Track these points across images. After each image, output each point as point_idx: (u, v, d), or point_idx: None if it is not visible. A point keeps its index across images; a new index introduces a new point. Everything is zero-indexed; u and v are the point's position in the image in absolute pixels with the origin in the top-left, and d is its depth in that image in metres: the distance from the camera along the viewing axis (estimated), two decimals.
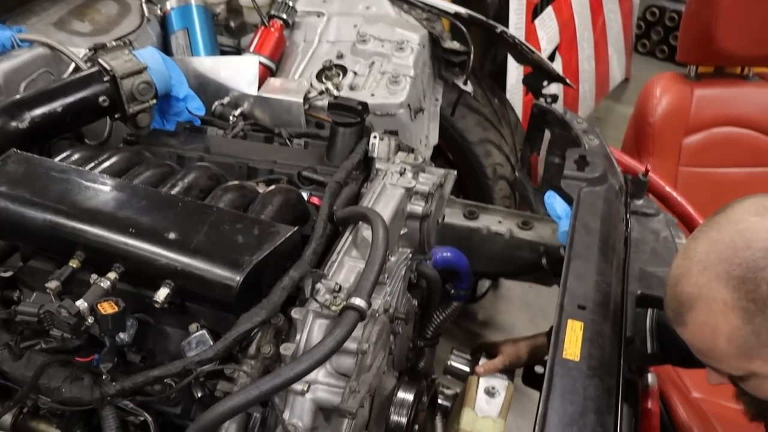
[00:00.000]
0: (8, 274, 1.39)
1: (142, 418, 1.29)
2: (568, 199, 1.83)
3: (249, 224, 1.35)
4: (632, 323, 1.57)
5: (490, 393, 1.86)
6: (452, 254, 1.98)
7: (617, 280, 1.61)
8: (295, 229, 1.36)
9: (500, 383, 1.87)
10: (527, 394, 1.96)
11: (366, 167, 1.79)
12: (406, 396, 1.58)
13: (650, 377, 1.88)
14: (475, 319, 3.26)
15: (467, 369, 2.02)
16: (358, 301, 1.25)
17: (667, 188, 2.32)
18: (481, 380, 1.85)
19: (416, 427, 1.60)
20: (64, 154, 1.61)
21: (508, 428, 1.80)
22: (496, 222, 2.26)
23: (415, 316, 1.96)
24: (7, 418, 1.36)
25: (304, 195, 1.65)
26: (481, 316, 3.30)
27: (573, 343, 1.41)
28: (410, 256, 1.75)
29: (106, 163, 1.57)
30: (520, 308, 3.36)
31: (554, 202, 1.83)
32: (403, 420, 1.55)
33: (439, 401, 1.96)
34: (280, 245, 1.32)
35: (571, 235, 1.66)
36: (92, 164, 1.56)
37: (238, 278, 1.25)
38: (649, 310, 1.62)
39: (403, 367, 1.92)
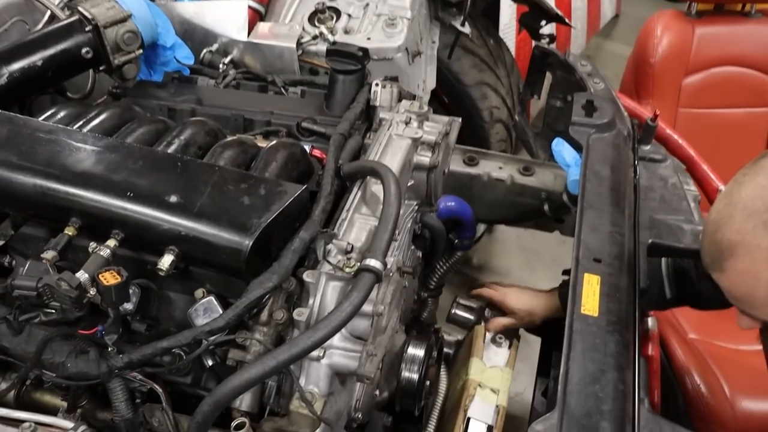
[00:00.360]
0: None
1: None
2: (576, 146, 1.77)
3: (254, 184, 1.28)
4: (645, 273, 1.54)
5: (497, 343, 1.85)
6: (456, 204, 1.93)
7: (630, 231, 1.57)
8: (304, 187, 1.29)
9: (506, 332, 1.86)
10: (526, 338, 1.95)
11: (368, 116, 1.71)
12: (417, 352, 1.55)
13: (650, 321, 1.88)
14: (471, 263, 3.25)
15: (472, 318, 2.00)
16: (374, 263, 1.20)
17: (668, 131, 2.27)
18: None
19: (427, 382, 1.58)
20: (49, 112, 1.50)
21: None
22: (496, 168, 2.20)
23: (419, 268, 1.92)
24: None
25: (306, 148, 1.57)
26: (476, 261, 3.28)
27: (591, 297, 1.38)
28: (416, 208, 1.70)
29: (96, 121, 1.47)
30: (515, 252, 3.35)
31: (562, 149, 1.77)
32: (415, 376, 1.53)
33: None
34: (288, 206, 1.25)
35: (582, 185, 1.61)
36: (80, 122, 1.46)
37: (247, 242, 1.19)
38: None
39: (407, 320, 1.89)
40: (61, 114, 1.50)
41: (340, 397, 1.33)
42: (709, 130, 2.76)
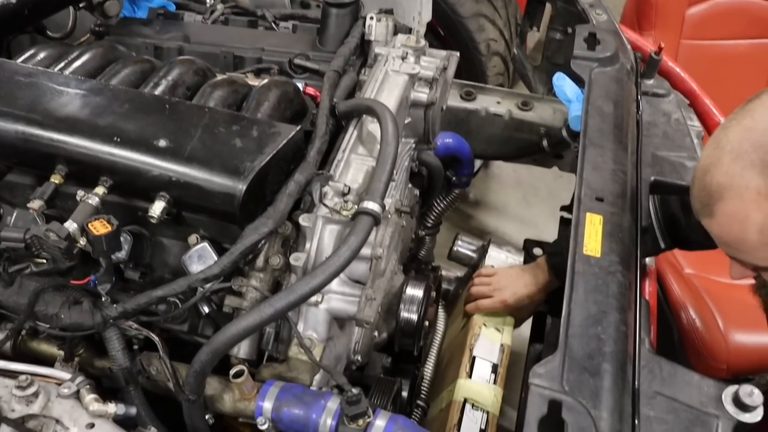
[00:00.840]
0: None
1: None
2: (578, 80, 1.71)
3: (246, 125, 1.23)
4: (647, 212, 1.52)
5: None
6: (454, 140, 1.89)
7: (632, 168, 1.54)
8: (298, 128, 1.24)
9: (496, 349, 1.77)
10: None
11: (362, 52, 1.65)
12: (416, 292, 1.54)
13: (648, 258, 1.87)
14: (467, 199, 3.22)
15: (473, 255, 1.98)
16: (372, 205, 1.16)
17: (670, 63, 2.20)
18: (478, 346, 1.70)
19: (426, 322, 1.57)
20: (28, 54, 1.43)
21: None
22: (494, 103, 2.15)
23: (417, 206, 1.89)
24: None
25: (299, 85, 1.51)
26: (472, 196, 3.25)
27: (593, 237, 1.35)
28: (414, 146, 1.66)
29: (78, 62, 1.40)
30: (512, 187, 3.32)
31: (564, 84, 1.72)
32: (414, 317, 1.52)
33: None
34: (282, 147, 1.21)
35: (584, 122, 1.57)
36: (62, 64, 1.39)
37: (241, 187, 1.15)
38: (652, 203, 1.57)
39: (405, 259, 1.88)
40: (41, 55, 1.43)
41: (339, 341, 1.32)
42: (712, 63, 2.69)
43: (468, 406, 1.53)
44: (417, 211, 1.87)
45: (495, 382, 1.60)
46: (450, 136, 1.88)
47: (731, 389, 1.10)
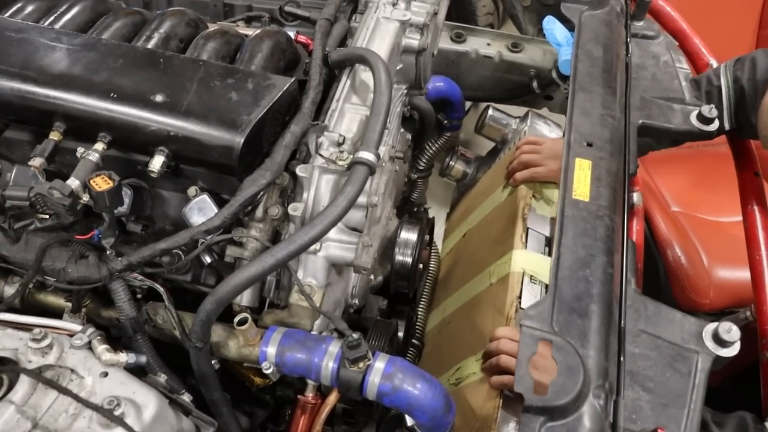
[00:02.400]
0: None
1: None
2: (568, 23, 1.71)
3: (242, 78, 1.25)
4: (635, 155, 1.55)
5: None
6: (445, 84, 1.90)
7: (621, 112, 1.56)
8: (293, 80, 1.26)
9: None
10: None
11: None
12: (410, 236, 1.58)
13: (636, 196, 1.91)
14: (458, 140, 3.22)
15: (506, 128, 1.92)
16: (367, 155, 1.19)
17: (660, 2, 2.19)
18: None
19: (420, 265, 1.62)
20: (15, 8, 1.42)
21: None
22: (484, 45, 2.15)
23: (409, 150, 1.92)
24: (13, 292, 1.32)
25: (290, 34, 1.51)
26: (462, 135, 3.25)
27: (582, 182, 1.39)
28: (405, 92, 1.67)
29: (67, 16, 1.39)
30: None
31: (554, 28, 1.72)
32: (408, 260, 1.56)
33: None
34: (278, 100, 1.23)
35: (574, 66, 1.58)
36: (51, 18, 1.38)
37: (239, 140, 1.17)
38: (725, 81, 1.57)
39: (398, 202, 1.91)
40: (29, 9, 1.42)
41: (337, 286, 1.36)
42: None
43: (526, 279, 1.49)
44: (409, 155, 1.89)
45: (550, 255, 1.55)
46: (441, 80, 1.89)
47: (711, 326, 1.16)
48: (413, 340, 1.83)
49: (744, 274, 2.17)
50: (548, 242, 1.59)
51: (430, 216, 2.00)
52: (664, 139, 1.68)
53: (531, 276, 1.50)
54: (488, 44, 2.13)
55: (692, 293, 2.23)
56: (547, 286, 1.47)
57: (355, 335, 1.12)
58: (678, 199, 2.48)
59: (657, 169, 2.51)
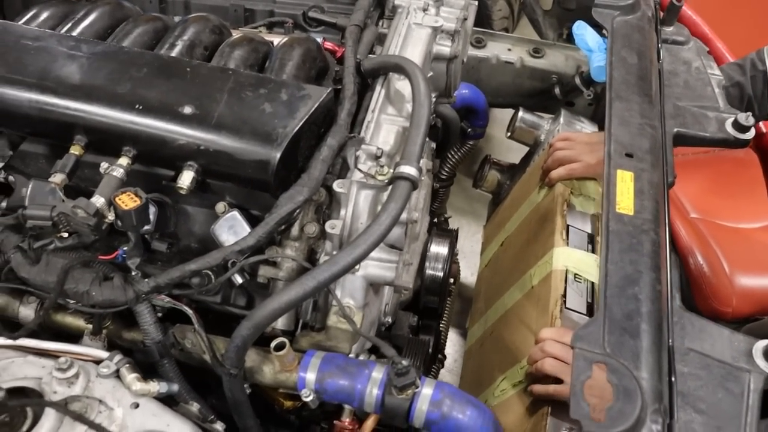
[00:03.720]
0: None
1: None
2: (598, 29, 1.66)
3: (274, 88, 1.18)
4: (672, 167, 1.50)
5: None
6: (470, 91, 1.84)
7: (659, 121, 1.51)
8: (329, 90, 1.19)
9: None
10: None
11: (379, 2, 1.57)
12: (440, 250, 1.52)
13: None
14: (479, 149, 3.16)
15: (538, 130, 1.88)
16: (409, 169, 1.13)
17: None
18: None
19: (451, 279, 1.56)
20: (29, 14, 1.35)
21: None
22: (505, 50, 2.09)
23: (433, 159, 1.86)
24: (30, 313, 1.25)
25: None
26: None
27: (625, 195, 1.34)
28: (434, 100, 1.61)
29: (85, 23, 1.32)
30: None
31: (585, 33, 1.67)
32: (440, 274, 1.51)
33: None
34: (314, 111, 1.16)
35: (609, 74, 1.52)
36: (68, 25, 1.31)
37: (275, 154, 1.10)
38: None
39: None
40: (44, 15, 1.35)
41: (373, 306, 1.30)
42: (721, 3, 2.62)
43: (570, 277, 1.44)
44: (434, 165, 1.84)
45: (594, 252, 1.50)
46: (466, 87, 1.83)
47: (761, 344, 1.12)
48: (438, 355, 1.77)
49: (765, 282, 2.15)
50: (591, 239, 1.53)
51: (453, 227, 1.94)
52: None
53: (575, 274, 1.44)
54: (509, 50, 2.08)
55: (714, 302, 2.18)
56: (593, 284, 1.44)
57: (405, 362, 1.05)
58: (696, 206, 2.43)
59: None
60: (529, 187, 1.75)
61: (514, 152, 2.32)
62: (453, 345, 2.43)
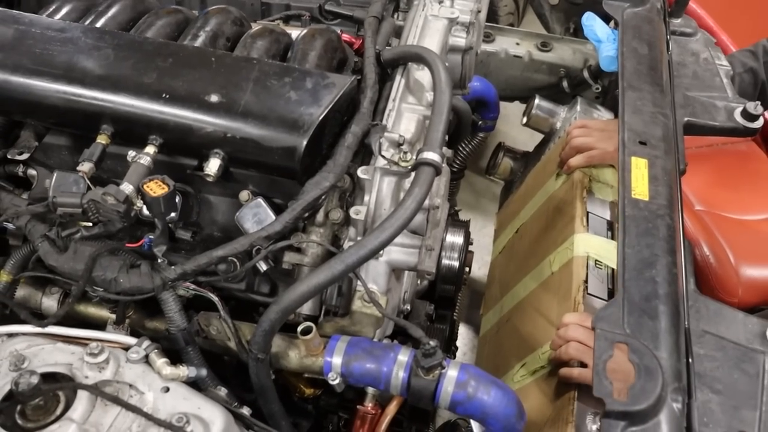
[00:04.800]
0: (24, 156, 1.22)
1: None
2: (606, 20, 1.69)
3: (299, 77, 1.19)
4: (683, 155, 1.53)
5: None
6: (481, 84, 1.86)
7: (670, 110, 1.54)
8: (353, 78, 1.21)
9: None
10: None
11: None
12: (456, 239, 1.53)
13: None
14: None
15: (554, 118, 1.89)
16: (432, 155, 1.15)
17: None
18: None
19: (466, 268, 1.58)
20: (53, 7, 1.36)
21: None
22: (513, 44, 2.12)
23: None
24: (53, 304, 1.26)
25: None
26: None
27: (640, 181, 1.36)
28: None
29: (108, 14, 1.33)
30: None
31: (594, 24, 1.69)
32: (456, 263, 1.52)
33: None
34: (339, 99, 1.18)
35: (621, 64, 1.55)
36: (90, 18, 1.32)
37: (302, 141, 1.12)
38: None
39: None
40: (66, 9, 1.36)
41: (395, 292, 1.32)
42: None
43: (591, 263, 1.45)
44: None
45: (613, 238, 1.51)
46: (477, 80, 1.85)
47: None
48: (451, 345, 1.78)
49: None
50: (610, 226, 1.54)
51: (463, 219, 1.96)
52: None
53: (596, 261, 1.46)
54: (517, 44, 2.10)
55: (721, 292, 2.21)
56: (613, 270, 1.45)
57: (432, 342, 1.07)
58: (701, 198, 2.46)
59: None
60: (545, 174, 1.77)
61: (521, 145, 2.36)
62: (462, 338, 2.44)
